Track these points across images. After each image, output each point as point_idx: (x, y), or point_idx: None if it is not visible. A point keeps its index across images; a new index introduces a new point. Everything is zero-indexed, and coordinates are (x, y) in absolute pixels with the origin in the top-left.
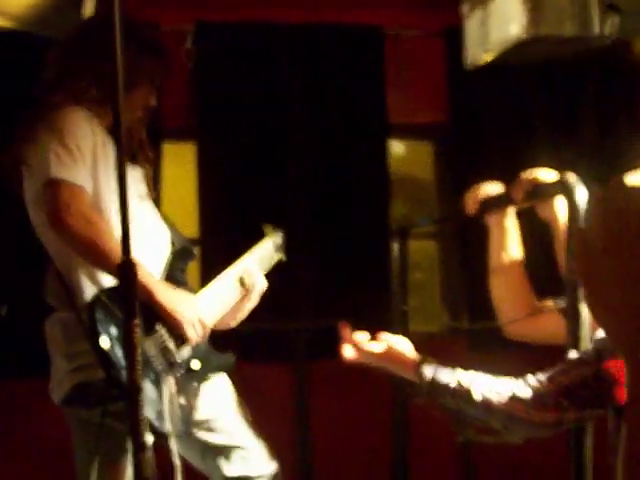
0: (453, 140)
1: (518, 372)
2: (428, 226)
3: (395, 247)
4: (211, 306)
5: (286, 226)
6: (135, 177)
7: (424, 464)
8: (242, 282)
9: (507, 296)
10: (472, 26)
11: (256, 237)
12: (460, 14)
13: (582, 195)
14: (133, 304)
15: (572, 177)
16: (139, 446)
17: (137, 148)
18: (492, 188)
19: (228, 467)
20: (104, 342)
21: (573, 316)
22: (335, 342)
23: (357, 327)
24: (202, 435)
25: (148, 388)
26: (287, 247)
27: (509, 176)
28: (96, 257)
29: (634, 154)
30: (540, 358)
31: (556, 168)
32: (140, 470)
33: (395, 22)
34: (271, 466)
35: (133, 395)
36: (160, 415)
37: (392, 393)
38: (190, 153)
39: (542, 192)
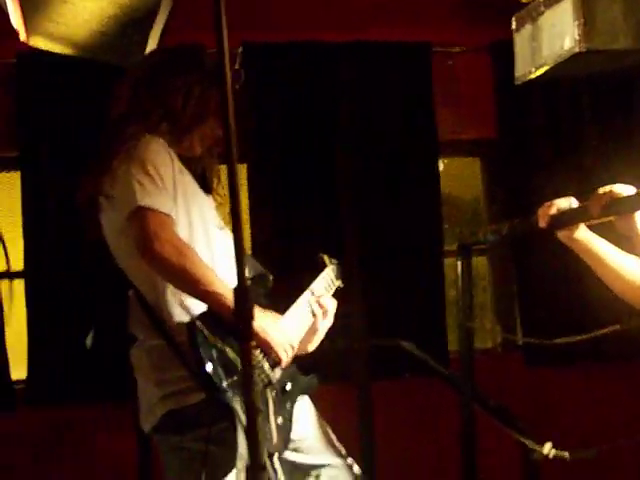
0: (502, 156)
1: (574, 385)
2: (495, 242)
3: (459, 264)
4: (293, 330)
5: (339, 248)
6: (211, 207)
7: None
8: (312, 311)
9: (628, 280)
10: (522, 41)
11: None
12: (509, 29)
13: None
14: (250, 327)
15: None
16: (257, 465)
17: (212, 179)
18: (565, 202)
19: None
20: (209, 367)
21: None
22: (396, 361)
23: (417, 343)
24: (290, 455)
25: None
26: (343, 274)
27: (559, 191)
28: (187, 284)
29: None
30: (592, 370)
31: (607, 180)
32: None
33: (442, 38)
34: None
35: (251, 415)
36: (263, 434)
37: (458, 412)
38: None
39: (621, 207)
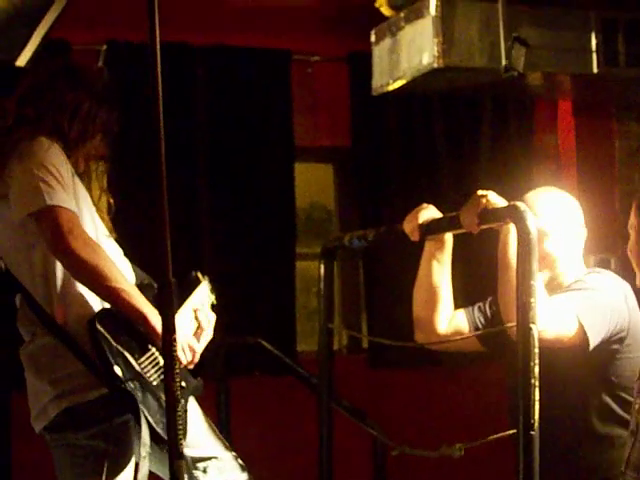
0: (355, 163)
1: (418, 388)
2: (360, 247)
3: (321, 267)
4: (187, 334)
5: (197, 248)
6: (97, 218)
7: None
8: (196, 317)
9: (431, 309)
10: (381, 54)
11: None
12: (368, 41)
13: (532, 222)
14: (172, 321)
15: (522, 205)
16: (177, 454)
17: (98, 195)
18: (430, 212)
19: (205, 478)
20: (117, 368)
21: (524, 336)
22: (246, 360)
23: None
24: None
25: (151, 402)
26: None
27: (409, 201)
28: (97, 280)
29: (527, 179)
30: (435, 375)
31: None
32: (177, 477)
33: (302, 47)
34: (245, 475)
35: (171, 405)
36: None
37: (316, 409)
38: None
39: (492, 217)
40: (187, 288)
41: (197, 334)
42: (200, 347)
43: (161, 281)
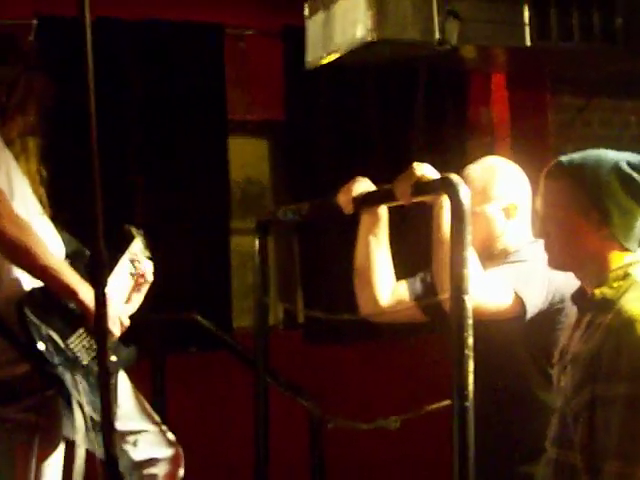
0: (289, 137)
1: (352, 364)
2: (294, 221)
3: (256, 242)
4: (119, 302)
5: (130, 224)
6: (30, 191)
7: (285, 454)
8: (132, 275)
9: (371, 282)
10: (314, 27)
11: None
12: (302, 15)
13: (465, 194)
14: (103, 295)
15: (455, 176)
16: (110, 427)
17: (34, 169)
18: (364, 185)
19: (135, 452)
20: (41, 345)
21: (457, 308)
22: (182, 335)
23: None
24: None
25: (82, 384)
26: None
27: (342, 173)
28: (26, 259)
29: (461, 152)
30: (372, 350)
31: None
32: (110, 448)
33: (235, 20)
34: (173, 449)
35: (104, 379)
36: (96, 407)
37: (253, 385)
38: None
39: (426, 190)
40: (121, 244)
41: (138, 284)
42: (137, 303)
43: (93, 257)
